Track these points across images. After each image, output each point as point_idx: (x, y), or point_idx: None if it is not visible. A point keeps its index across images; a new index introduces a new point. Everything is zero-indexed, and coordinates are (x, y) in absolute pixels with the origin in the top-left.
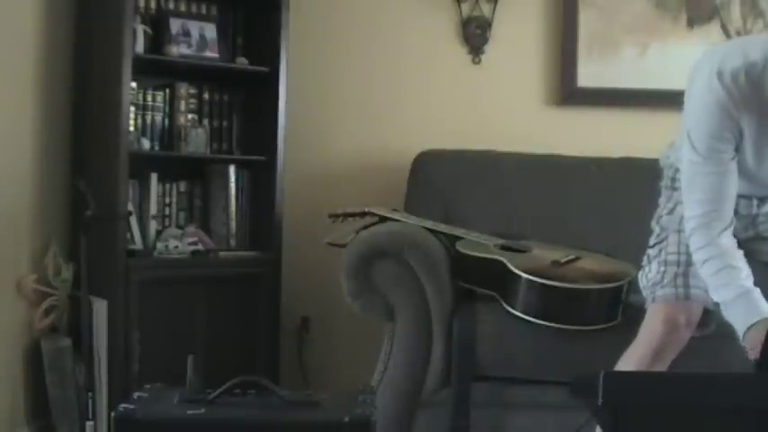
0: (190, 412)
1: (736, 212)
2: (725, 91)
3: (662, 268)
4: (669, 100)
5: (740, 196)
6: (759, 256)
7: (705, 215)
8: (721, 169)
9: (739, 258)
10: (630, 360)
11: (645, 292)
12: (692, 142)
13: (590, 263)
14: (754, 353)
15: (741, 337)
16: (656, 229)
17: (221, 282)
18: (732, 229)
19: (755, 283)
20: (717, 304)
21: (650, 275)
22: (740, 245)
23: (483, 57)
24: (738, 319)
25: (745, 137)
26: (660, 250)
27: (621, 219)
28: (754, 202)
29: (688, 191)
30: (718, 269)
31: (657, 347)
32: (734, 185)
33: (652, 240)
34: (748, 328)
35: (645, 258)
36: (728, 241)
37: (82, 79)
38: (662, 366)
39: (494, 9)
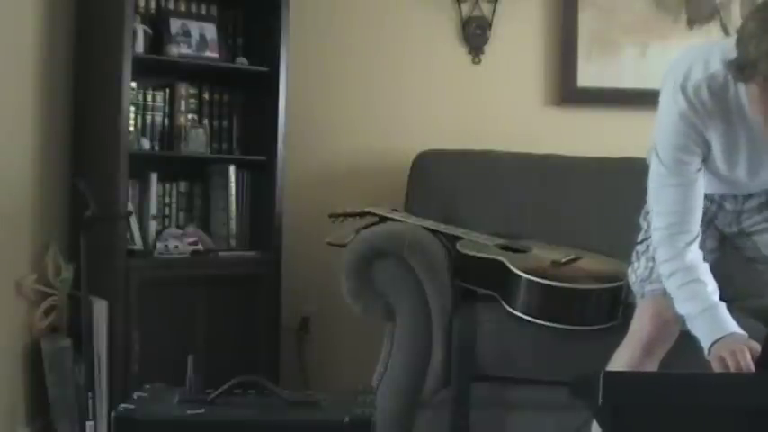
0: (190, 412)
1: (722, 209)
2: (687, 105)
3: (650, 264)
4: None
5: (726, 194)
6: (743, 251)
7: (670, 227)
8: (686, 181)
9: (705, 272)
10: (621, 357)
11: (634, 288)
12: (657, 153)
13: (590, 263)
14: (719, 365)
15: (706, 352)
16: (644, 226)
17: (221, 282)
18: (699, 241)
19: (732, 283)
20: (682, 317)
21: (639, 272)
22: (725, 240)
23: (483, 57)
24: (703, 334)
25: (714, 147)
26: (648, 246)
27: (621, 219)
28: (740, 198)
29: (654, 202)
30: (684, 283)
31: (647, 343)
32: (699, 197)
33: (640, 237)
34: (713, 343)
35: (633, 255)
36: (694, 255)
37: (82, 79)
38: (653, 362)
39: (494, 9)
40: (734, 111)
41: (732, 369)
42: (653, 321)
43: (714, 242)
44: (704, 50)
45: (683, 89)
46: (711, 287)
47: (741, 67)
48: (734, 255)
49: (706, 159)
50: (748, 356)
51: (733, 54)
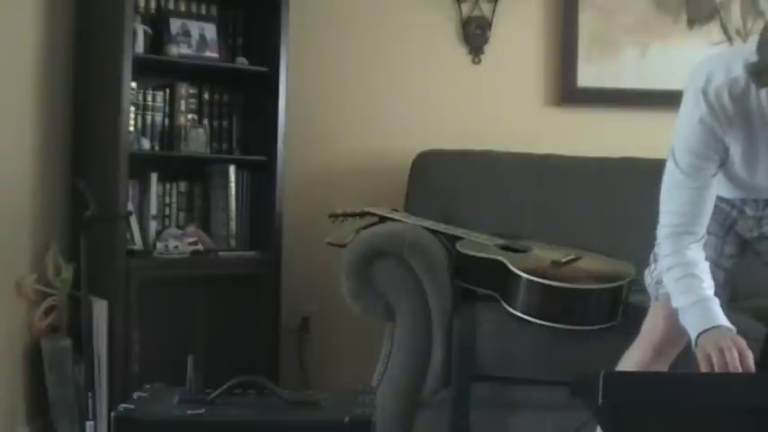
0: (190, 412)
1: (743, 214)
2: (708, 109)
3: None
4: (669, 100)
5: (747, 199)
6: (764, 256)
7: (678, 226)
8: (701, 185)
9: (703, 270)
10: (632, 358)
11: (649, 290)
12: (674, 156)
13: (590, 263)
14: (704, 359)
15: (694, 343)
16: None
17: (221, 282)
18: (702, 242)
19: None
20: (676, 310)
21: (654, 274)
22: (747, 245)
23: (483, 57)
24: (692, 326)
25: (733, 152)
26: None
27: (621, 219)
28: (761, 203)
29: (665, 199)
30: (681, 276)
31: (659, 344)
32: (711, 201)
33: None
34: (700, 334)
35: (651, 256)
36: (696, 253)
37: (82, 79)
38: (663, 364)
39: (494, 9)
40: (755, 116)
41: (717, 369)
42: (666, 323)
43: (734, 248)
44: (726, 56)
45: (705, 93)
46: (707, 284)
47: (759, 72)
48: (754, 260)
49: (724, 165)
50: (736, 355)
51: (753, 58)
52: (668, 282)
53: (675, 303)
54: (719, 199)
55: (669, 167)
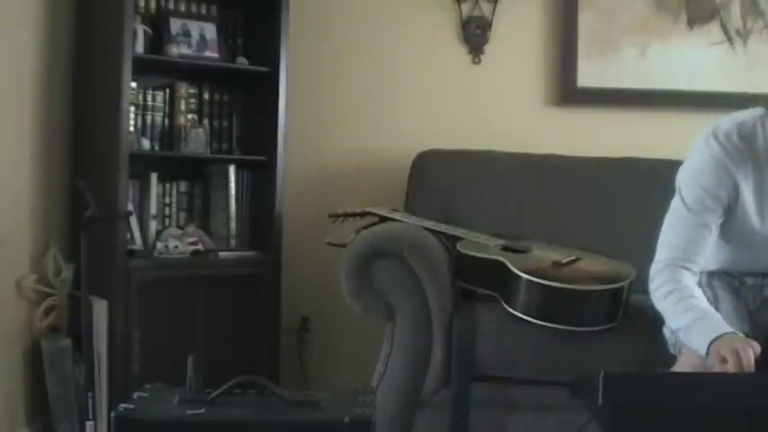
0: (190, 412)
1: (744, 284)
2: (720, 147)
3: None
4: (669, 100)
5: (746, 272)
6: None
7: (675, 261)
8: (704, 223)
9: (701, 295)
10: None
11: (669, 343)
12: (681, 194)
13: (590, 264)
14: (718, 362)
15: (704, 353)
16: None
17: (221, 282)
18: (696, 279)
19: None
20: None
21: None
22: (751, 317)
23: (483, 57)
24: (699, 339)
25: (744, 193)
26: None
27: (621, 219)
28: (759, 276)
29: (666, 232)
30: (681, 299)
31: None
32: (710, 242)
33: None
34: (711, 342)
35: None
36: (692, 283)
37: (82, 79)
38: None
39: (494, 9)
40: (762, 157)
41: (732, 368)
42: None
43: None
44: (732, 114)
45: (715, 135)
46: (706, 304)
47: None
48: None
49: (733, 210)
50: (751, 356)
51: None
52: (667, 306)
53: (676, 324)
54: (723, 272)
55: (674, 205)
